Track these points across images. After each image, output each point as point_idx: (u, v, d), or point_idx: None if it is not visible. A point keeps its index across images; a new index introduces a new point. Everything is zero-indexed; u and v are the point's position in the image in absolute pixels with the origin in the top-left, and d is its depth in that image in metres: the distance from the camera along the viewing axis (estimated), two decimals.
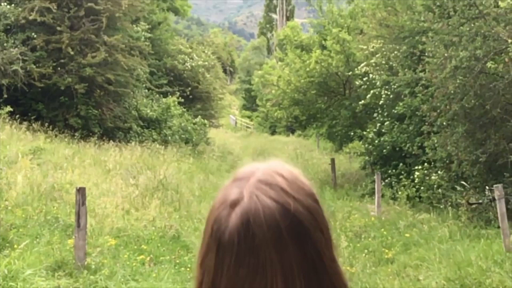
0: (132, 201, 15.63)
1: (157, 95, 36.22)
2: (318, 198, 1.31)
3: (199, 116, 37.39)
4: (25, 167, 15.54)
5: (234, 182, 1.29)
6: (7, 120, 22.41)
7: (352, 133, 29.84)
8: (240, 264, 1.20)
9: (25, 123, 23.56)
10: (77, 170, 17.42)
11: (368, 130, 25.96)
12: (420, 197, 20.05)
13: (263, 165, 1.33)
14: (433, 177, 19.46)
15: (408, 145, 21.99)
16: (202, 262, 1.28)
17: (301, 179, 1.31)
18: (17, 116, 23.40)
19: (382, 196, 19.14)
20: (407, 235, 14.71)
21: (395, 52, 23.62)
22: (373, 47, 25.52)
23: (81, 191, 10.04)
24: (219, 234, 1.23)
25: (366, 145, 25.27)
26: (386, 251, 13.46)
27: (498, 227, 13.04)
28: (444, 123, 18.21)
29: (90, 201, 13.10)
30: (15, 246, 9.89)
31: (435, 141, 18.78)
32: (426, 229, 15.39)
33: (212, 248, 1.24)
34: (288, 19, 74.20)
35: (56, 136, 23.75)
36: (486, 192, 15.87)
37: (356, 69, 27.88)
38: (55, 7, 26.80)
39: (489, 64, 15.96)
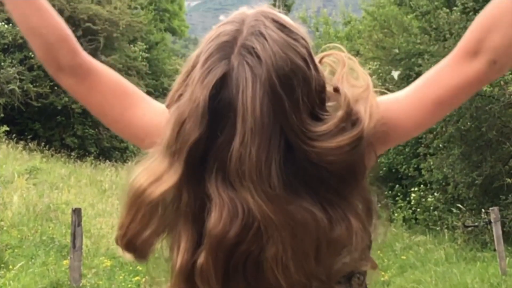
0: None
1: None
2: (299, 61, 1.30)
3: None
4: (21, 187, 15.50)
5: (220, 45, 1.31)
6: (3, 139, 22.38)
7: None
8: (221, 131, 1.27)
9: (22, 142, 23.53)
10: (73, 190, 17.37)
11: None
12: (416, 219, 20.02)
13: (248, 18, 1.35)
14: (429, 199, 19.45)
15: (404, 166, 21.99)
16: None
17: (288, 45, 1.31)
18: (14, 135, 23.38)
19: (379, 217, 19.07)
20: (403, 257, 14.67)
21: (391, 74, 23.67)
22: (369, 68, 25.60)
23: (77, 212, 10.01)
24: (213, 106, 1.26)
25: None
26: (382, 273, 13.42)
27: (494, 250, 13.02)
28: (440, 145, 18.23)
29: (86, 221, 13.06)
30: (11, 267, 9.85)
31: (431, 163, 18.78)
32: (422, 252, 15.35)
33: (195, 121, 1.27)
34: None
35: (52, 155, 23.71)
36: (482, 215, 15.86)
37: None
38: None
39: (484, 87, 16.01)
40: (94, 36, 27.95)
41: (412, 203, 20.48)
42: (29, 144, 23.81)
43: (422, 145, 19.48)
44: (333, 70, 1.46)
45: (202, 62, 1.30)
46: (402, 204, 21.05)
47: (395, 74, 20.51)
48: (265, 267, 1.27)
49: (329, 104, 1.37)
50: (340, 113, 1.32)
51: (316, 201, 1.27)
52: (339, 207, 1.29)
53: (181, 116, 1.28)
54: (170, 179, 1.28)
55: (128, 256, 1.39)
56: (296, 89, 1.28)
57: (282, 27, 1.33)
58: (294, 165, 1.27)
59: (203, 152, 1.27)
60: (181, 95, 1.33)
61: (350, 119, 1.32)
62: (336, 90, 1.38)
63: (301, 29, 1.37)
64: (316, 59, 1.41)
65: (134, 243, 1.36)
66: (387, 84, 24.05)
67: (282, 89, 1.26)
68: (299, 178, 1.27)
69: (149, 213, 1.31)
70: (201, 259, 1.28)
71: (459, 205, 17.26)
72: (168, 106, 1.38)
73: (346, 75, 1.43)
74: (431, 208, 19.19)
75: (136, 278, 11.34)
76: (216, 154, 1.27)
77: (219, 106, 1.26)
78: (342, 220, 1.28)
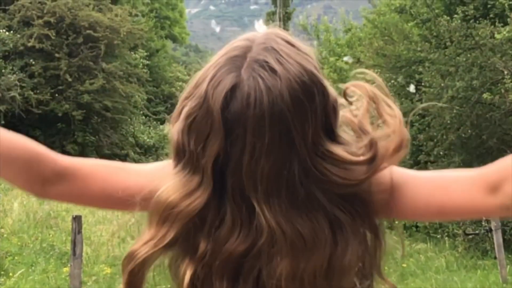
0: (128, 229, 15.51)
1: (155, 122, 36.28)
2: (316, 83, 1.29)
3: None
4: (21, 194, 15.48)
5: (231, 59, 1.29)
6: None
7: None
8: (235, 144, 1.24)
9: None
10: None
11: None
12: (417, 227, 19.99)
13: (259, 38, 1.33)
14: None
15: None
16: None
17: (300, 62, 1.30)
18: None
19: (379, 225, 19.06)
20: (404, 265, 14.65)
21: (392, 81, 23.69)
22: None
23: (77, 219, 9.98)
24: (224, 118, 1.24)
25: None
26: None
27: (495, 257, 13.01)
28: (441, 153, 18.22)
29: (86, 228, 13.04)
30: (11, 274, 9.84)
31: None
32: (423, 260, 15.32)
33: (217, 136, 1.25)
34: None
35: None
36: (483, 223, 15.84)
37: None
38: (53, 34, 26.97)
39: (485, 95, 16.03)
40: (95, 43, 28.00)
41: None
42: None
43: (423, 153, 19.46)
44: (356, 104, 1.44)
45: (211, 75, 1.28)
46: None
47: (412, 87, 20.55)
48: (271, 283, 1.27)
49: (345, 130, 1.37)
50: (362, 149, 1.32)
51: (326, 221, 1.27)
52: (346, 230, 1.29)
53: (201, 130, 1.27)
54: (203, 195, 1.28)
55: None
56: (316, 98, 1.27)
57: (291, 45, 1.33)
58: (306, 183, 1.26)
59: (222, 166, 1.27)
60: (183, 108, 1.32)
61: (370, 153, 1.31)
62: (361, 127, 1.37)
63: (308, 49, 1.36)
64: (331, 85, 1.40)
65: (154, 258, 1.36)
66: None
67: (304, 98, 1.25)
68: (310, 196, 1.27)
69: (181, 227, 1.31)
70: (209, 271, 1.28)
71: None
72: (173, 120, 1.36)
73: (377, 108, 1.41)
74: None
75: None
76: (232, 168, 1.26)
77: (229, 118, 1.24)
78: (348, 243, 1.28)
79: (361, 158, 1.30)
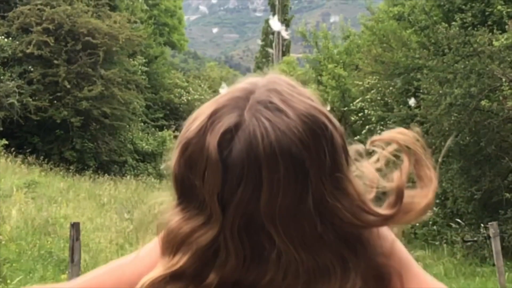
0: (126, 236, 15.54)
1: (153, 129, 36.27)
2: (324, 118, 1.27)
3: None
4: (19, 201, 15.48)
5: (233, 100, 1.28)
6: (2, 153, 22.37)
7: None
8: (246, 186, 1.21)
9: (20, 156, 23.52)
10: (72, 204, 17.35)
11: None
12: (415, 234, 19.99)
13: (261, 81, 1.32)
14: (428, 214, 19.42)
15: None
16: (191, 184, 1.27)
17: (304, 99, 1.28)
18: (13, 149, 23.37)
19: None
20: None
21: (390, 88, 23.74)
22: (368, 83, 25.67)
23: (75, 226, 9.98)
24: (224, 158, 1.22)
25: None
26: None
27: (493, 265, 12.99)
28: (439, 160, 18.23)
29: (84, 235, 13.03)
30: (9, 281, 9.82)
31: None
32: (422, 267, 15.30)
33: (215, 172, 1.22)
34: (284, 54, 74.55)
35: (51, 169, 23.70)
36: (481, 230, 15.85)
37: (351, 104, 28.01)
38: (52, 40, 26.98)
39: (483, 102, 16.06)
40: (93, 50, 28.02)
41: None
42: (28, 158, 23.79)
43: None
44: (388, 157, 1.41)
45: (211, 111, 1.26)
46: None
47: (412, 101, 20.59)
48: None
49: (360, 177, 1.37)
50: (386, 209, 1.30)
51: (336, 257, 1.27)
52: (353, 268, 1.29)
53: (197, 165, 1.24)
54: (212, 229, 1.27)
55: None
56: (325, 133, 1.25)
57: (294, 87, 1.32)
58: (319, 217, 1.26)
59: (226, 201, 1.26)
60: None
61: (391, 210, 1.30)
62: (399, 189, 1.34)
63: (310, 91, 1.36)
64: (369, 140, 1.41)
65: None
66: (386, 98, 24.13)
67: (313, 133, 1.24)
68: (323, 231, 1.26)
69: (191, 257, 1.30)
70: None
71: (458, 220, 17.25)
72: (173, 153, 1.36)
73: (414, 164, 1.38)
74: (430, 222, 19.16)
75: None
76: (239, 203, 1.25)
77: (232, 156, 1.22)
78: (355, 282, 1.29)
79: (381, 211, 1.29)
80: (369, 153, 1.43)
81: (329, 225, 1.25)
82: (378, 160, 1.41)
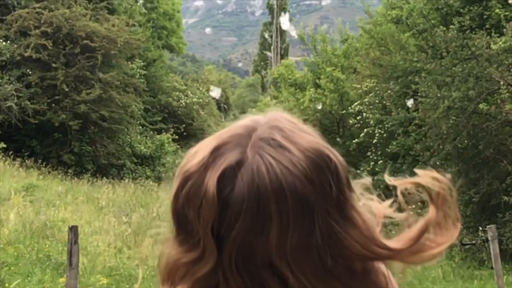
0: (124, 239, 15.53)
1: (151, 132, 36.25)
2: (327, 152, 1.28)
3: None
4: (17, 204, 15.47)
5: (235, 137, 1.28)
6: (0, 156, 22.36)
7: None
8: (244, 221, 1.20)
9: (19, 159, 23.50)
10: (70, 208, 17.33)
11: (361, 168, 25.97)
12: None
13: (262, 119, 1.32)
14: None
15: None
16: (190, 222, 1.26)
17: (305, 135, 1.29)
18: (11, 152, 23.36)
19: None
20: (400, 275, 14.63)
21: (389, 91, 23.77)
22: (366, 86, 25.70)
23: (73, 230, 9.97)
24: (225, 195, 1.21)
25: None
26: None
27: (492, 268, 12.99)
28: (438, 163, 18.24)
29: (83, 239, 13.01)
30: (7, 285, 9.81)
31: None
32: (420, 270, 15.31)
33: (210, 208, 1.22)
34: (282, 57, 74.66)
35: (49, 172, 23.69)
36: (480, 233, 15.85)
37: (349, 107, 28.03)
38: (50, 44, 26.99)
39: (481, 105, 16.08)
40: (92, 53, 28.01)
41: None
42: (26, 161, 23.78)
43: (420, 163, 19.49)
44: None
45: (213, 147, 1.26)
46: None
47: (410, 102, 20.62)
48: None
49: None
50: (396, 243, 1.31)
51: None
52: None
53: (195, 199, 1.24)
54: (206, 265, 1.27)
55: None
56: (330, 166, 1.25)
57: (295, 123, 1.33)
58: (328, 250, 1.26)
59: (223, 237, 1.26)
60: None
61: (402, 245, 1.31)
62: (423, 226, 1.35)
63: (311, 128, 1.36)
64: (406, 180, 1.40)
65: None
66: (384, 101, 24.15)
67: (317, 167, 1.24)
68: (332, 264, 1.27)
69: None
70: None
71: None
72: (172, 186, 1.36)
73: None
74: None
75: None
76: (234, 239, 1.25)
77: (232, 194, 1.21)
78: None
79: (391, 244, 1.30)
80: (390, 189, 1.43)
81: (339, 258, 1.25)
82: (391, 204, 1.42)
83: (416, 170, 1.40)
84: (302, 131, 1.30)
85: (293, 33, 40.53)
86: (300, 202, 1.21)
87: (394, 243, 1.30)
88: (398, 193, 1.40)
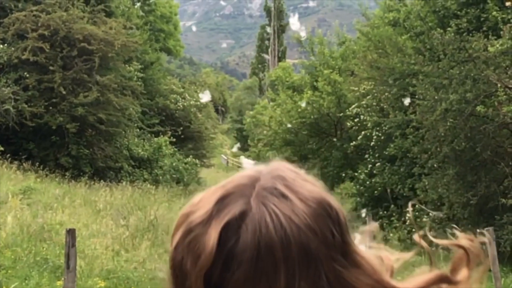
0: (122, 242, 15.51)
1: (149, 135, 36.23)
2: (328, 200, 1.28)
3: (191, 156, 37.35)
4: (15, 207, 15.45)
5: (239, 187, 1.28)
6: None
7: (343, 174, 29.84)
8: (249, 271, 1.20)
9: (16, 162, 23.47)
10: (67, 210, 17.31)
11: (359, 171, 26.00)
12: (411, 239, 19.96)
13: (265, 169, 1.33)
14: (424, 219, 19.46)
15: (399, 186, 22.01)
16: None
17: (307, 184, 1.30)
18: (8, 155, 23.32)
19: (374, 238, 19.07)
20: (398, 278, 14.62)
21: (386, 93, 23.79)
22: (364, 88, 25.73)
23: (71, 233, 9.95)
24: (229, 246, 1.20)
25: (358, 186, 25.27)
26: None
27: (490, 270, 12.99)
28: (435, 165, 18.27)
29: (80, 242, 12.99)
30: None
31: (426, 183, 18.80)
32: (418, 272, 15.30)
33: (207, 257, 1.21)
34: (280, 59, 74.63)
35: (46, 175, 23.66)
36: (477, 235, 15.84)
37: (347, 110, 28.06)
38: (48, 47, 26.96)
39: (479, 108, 16.09)
40: (89, 56, 27.99)
41: (407, 223, 20.47)
42: (24, 164, 23.75)
43: (417, 165, 19.52)
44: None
45: (218, 197, 1.26)
46: (397, 224, 21.02)
47: (407, 101, 20.64)
48: None
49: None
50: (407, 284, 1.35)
51: None
52: None
53: (195, 249, 1.24)
54: None
55: None
56: (331, 214, 1.26)
57: (296, 172, 1.34)
58: None
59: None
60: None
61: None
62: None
63: (312, 177, 1.37)
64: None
65: None
66: (382, 104, 24.17)
67: (319, 216, 1.25)
68: None
69: None
70: None
71: (454, 225, 17.22)
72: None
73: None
74: (426, 228, 19.16)
75: None
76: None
77: (237, 245, 1.21)
78: None
79: (400, 285, 1.32)
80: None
81: None
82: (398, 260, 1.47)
83: (456, 232, 1.48)
84: (304, 180, 1.31)
85: (303, 33, 40.44)
86: (304, 251, 1.21)
87: (405, 283, 1.33)
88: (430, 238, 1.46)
